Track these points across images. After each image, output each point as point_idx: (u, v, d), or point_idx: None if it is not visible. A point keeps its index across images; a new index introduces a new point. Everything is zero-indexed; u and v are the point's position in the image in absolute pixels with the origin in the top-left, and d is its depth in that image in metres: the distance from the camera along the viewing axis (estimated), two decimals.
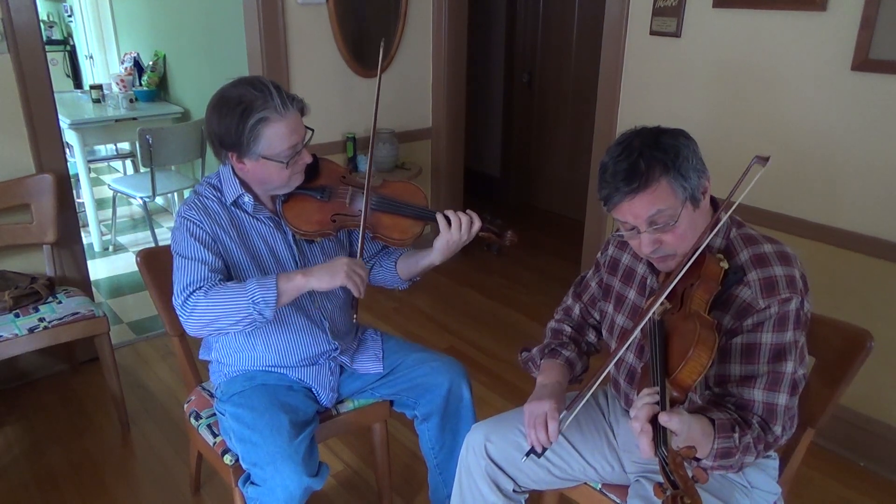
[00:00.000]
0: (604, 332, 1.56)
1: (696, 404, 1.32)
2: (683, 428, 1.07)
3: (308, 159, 1.62)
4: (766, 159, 1.21)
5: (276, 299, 1.47)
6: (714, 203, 1.35)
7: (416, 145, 3.80)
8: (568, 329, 1.64)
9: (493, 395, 2.71)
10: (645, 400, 1.10)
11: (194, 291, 1.50)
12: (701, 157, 1.27)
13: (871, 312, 2.22)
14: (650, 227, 1.25)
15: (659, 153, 1.23)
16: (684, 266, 1.22)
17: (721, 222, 1.30)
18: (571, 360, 1.56)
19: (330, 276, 1.49)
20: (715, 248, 1.32)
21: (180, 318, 1.52)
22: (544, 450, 1.38)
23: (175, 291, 1.54)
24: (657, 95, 2.72)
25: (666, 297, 1.25)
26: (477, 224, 1.65)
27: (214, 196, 1.63)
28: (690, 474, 1.01)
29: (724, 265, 1.26)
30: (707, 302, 1.22)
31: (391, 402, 1.88)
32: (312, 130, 1.62)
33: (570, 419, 1.35)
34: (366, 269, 1.56)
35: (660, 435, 1.05)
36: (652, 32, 2.67)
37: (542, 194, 5.06)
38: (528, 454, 1.39)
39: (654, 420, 1.07)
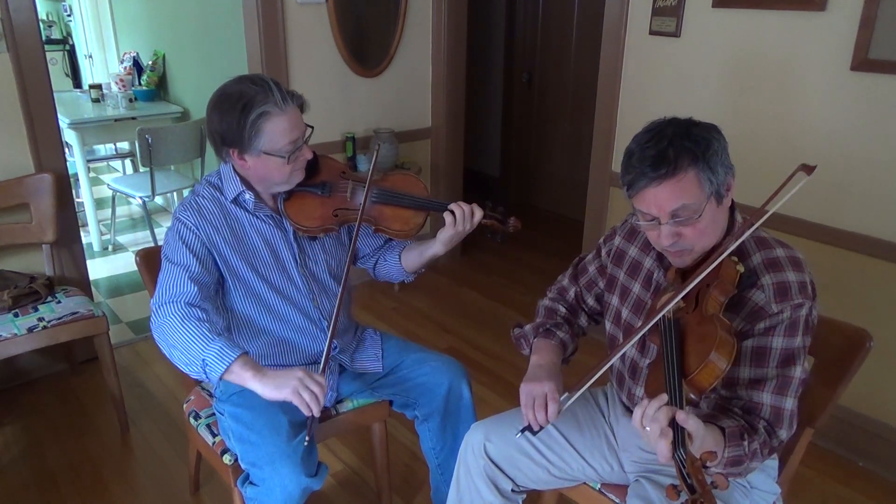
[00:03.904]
0: (609, 323, 1.55)
1: (702, 411, 1.31)
2: (700, 428, 1.06)
3: (308, 155, 1.62)
4: (813, 168, 1.17)
5: (223, 374, 1.40)
6: (732, 205, 1.33)
7: (415, 145, 3.80)
8: (562, 309, 1.64)
9: (493, 395, 2.71)
10: (661, 403, 1.09)
11: (171, 301, 1.50)
12: (729, 155, 1.26)
13: (871, 312, 2.22)
14: (672, 219, 1.23)
15: (690, 143, 1.21)
16: (706, 269, 1.21)
17: (751, 229, 1.25)
18: (565, 341, 1.57)
19: (275, 388, 1.39)
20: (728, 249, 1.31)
21: (151, 319, 1.53)
22: (541, 428, 1.37)
23: (157, 291, 1.56)
24: (657, 95, 2.71)
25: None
26: (479, 213, 1.65)
27: (212, 195, 1.63)
28: (709, 480, 1.00)
29: (741, 269, 1.24)
30: (722, 304, 1.21)
31: (391, 403, 1.88)
32: (312, 128, 1.62)
33: (571, 402, 1.34)
34: (324, 385, 1.42)
35: (678, 437, 1.04)
36: (651, 32, 2.66)
37: (541, 194, 5.06)
38: (523, 431, 1.38)
39: (671, 423, 1.06)
